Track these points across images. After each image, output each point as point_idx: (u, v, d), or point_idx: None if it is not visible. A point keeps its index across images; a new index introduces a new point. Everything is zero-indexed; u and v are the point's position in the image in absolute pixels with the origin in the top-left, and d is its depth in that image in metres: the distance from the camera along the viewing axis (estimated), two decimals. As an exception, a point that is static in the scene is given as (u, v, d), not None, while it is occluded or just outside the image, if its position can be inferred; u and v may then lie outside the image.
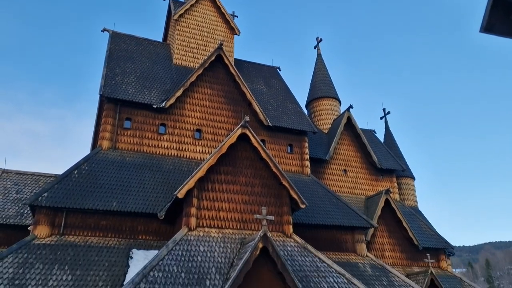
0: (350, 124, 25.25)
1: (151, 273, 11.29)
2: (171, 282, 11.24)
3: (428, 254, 19.84)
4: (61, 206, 14.19)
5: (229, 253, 12.92)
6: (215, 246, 13.09)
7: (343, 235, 18.00)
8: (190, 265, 12.05)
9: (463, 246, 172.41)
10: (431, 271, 18.95)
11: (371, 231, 20.20)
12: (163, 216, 14.57)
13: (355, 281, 13.27)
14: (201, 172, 13.83)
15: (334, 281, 13.11)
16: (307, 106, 28.41)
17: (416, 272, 20.09)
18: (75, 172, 15.56)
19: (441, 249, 22.41)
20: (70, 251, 13.54)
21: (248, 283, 11.76)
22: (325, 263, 13.76)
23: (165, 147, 18.22)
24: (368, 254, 18.02)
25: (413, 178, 28.06)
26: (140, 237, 15.06)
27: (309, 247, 14.24)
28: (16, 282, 11.83)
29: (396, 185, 25.38)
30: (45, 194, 14.30)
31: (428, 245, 21.92)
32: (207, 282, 11.60)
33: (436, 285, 18.71)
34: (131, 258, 13.82)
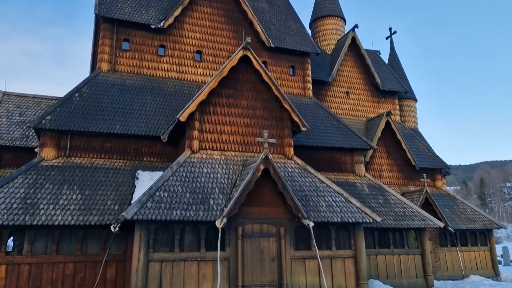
0: (354, 45, 24.53)
1: (157, 193, 11.77)
2: (177, 201, 11.76)
3: (424, 174, 20.51)
4: (66, 129, 14.38)
5: (232, 175, 13.34)
6: (218, 167, 13.47)
7: (343, 156, 18.41)
8: (194, 185, 12.51)
9: (459, 165, 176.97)
10: (426, 190, 19.69)
11: (370, 152, 20.62)
12: (166, 139, 14.80)
13: (353, 199, 13.86)
14: (202, 95, 13.77)
15: (333, 200, 13.69)
16: (310, 25, 27.37)
17: (411, 191, 20.89)
18: (76, 95, 15.51)
19: (437, 169, 23.05)
20: (78, 172, 14.00)
21: (250, 203, 12.30)
22: (324, 183, 14.25)
23: (165, 69, 17.93)
24: (366, 174, 18.59)
25: (415, 100, 27.95)
26: (145, 159, 15.45)
27: (309, 168, 14.66)
28: (28, 201, 12.40)
29: (397, 107, 25.37)
30: (48, 117, 14.41)
31: (425, 166, 22.51)
32: (211, 202, 12.13)
33: (430, 203, 19.58)
34: (137, 179, 14.30)
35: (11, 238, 12.81)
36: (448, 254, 19.85)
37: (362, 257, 13.26)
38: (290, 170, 14.34)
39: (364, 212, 13.54)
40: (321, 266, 12.49)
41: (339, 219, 13.00)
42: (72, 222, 12.17)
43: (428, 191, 19.75)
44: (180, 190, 12.17)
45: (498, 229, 22.18)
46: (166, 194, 11.85)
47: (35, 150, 14.88)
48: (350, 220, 13.10)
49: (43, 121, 14.23)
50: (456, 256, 19.95)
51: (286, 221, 12.72)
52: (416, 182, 22.18)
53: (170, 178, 12.44)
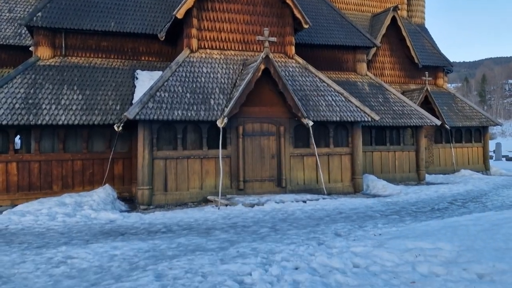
0: None
1: (158, 93, 11.79)
2: (177, 101, 11.84)
3: (426, 72, 20.28)
4: (59, 27, 13.87)
5: (232, 74, 13.21)
6: (218, 67, 13.28)
7: (345, 55, 18.01)
8: (194, 85, 12.47)
9: (463, 61, 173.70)
10: (427, 88, 19.68)
11: (373, 50, 20.10)
12: (163, 37, 14.34)
13: (352, 99, 13.92)
14: (199, -11, 12.97)
15: (333, 99, 13.75)
16: None
17: (412, 89, 20.87)
18: (65, -11, 14.63)
19: (440, 67, 22.72)
20: (76, 72, 13.84)
21: (250, 102, 12.39)
22: (325, 82, 14.18)
23: (158, -41, 16.61)
24: (368, 73, 18.38)
25: (425, -8, 26.36)
26: (143, 58, 15.15)
27: (310, 67, 14.45)
28: (30, 101, 12.48)
29: (405, 0, 24.04)
30: (39, 14, 13.80)
31: (428, 63, 22.14)
32: (212, 102, 12.21)
33: (429, 101, 19.71)
34: (137, 78, 14.20)
35: (18, 136, 13.20)
36: (442, 150, 20.59)
37: (358, 154, 13.77)
38: (291, 69, 14.15)
39: (363, 111, 13.70)
40: (318, 162, 13.05)
41: (338, 118, 13.22)
42: (76, 122, 12.41)
43: (429, 89, 19.75)
44: (181, 90, 12.16)
45: (494, 126, 22.65)
46: (166, 94, 11.87)
47: (30, 49, 14.53)
48: (349, 119, 13.32)
49: (35, 18, 13.64)
50: (450, 152, 20.71)
51: (286, 120, 12.95)
52: (417, 80, 21.99)
53: (170, 78, 12.35)
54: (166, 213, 10.43)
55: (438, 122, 17.36)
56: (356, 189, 13.70)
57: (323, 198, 11.89)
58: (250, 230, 8.12)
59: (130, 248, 6.65)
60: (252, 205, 10.93)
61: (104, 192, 11.79)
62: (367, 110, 13.72)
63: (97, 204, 10.96)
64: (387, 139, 16.97)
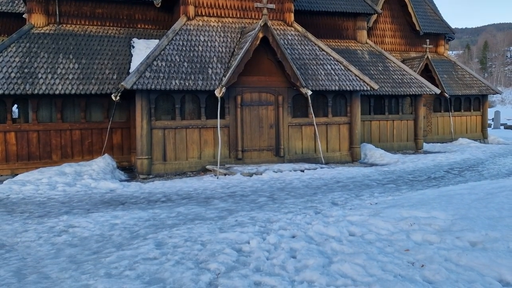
0: None
1: (155, 63, 11.65)
2: (175, 71, 11.71)
3: (427, 40, 19.98)
4: (51, -7, 13.52)
5: (230, 43, 13.01)
6: (215, 35, 13.06)
7: (345, 22, 17.69)
8: (191, 54, 12.31)
9: (466, 28, 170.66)
10: (427, 56, 19.44)
11: (373, 17, 19.72)
12: (159, 4, 14.01)
13: (352, 67, 13.78)
14: (195, -47, 12.57)
15: (332, 68, 13.62)
16: None
17: (412, 57, 20.62)
18: (57, -47, 14.17)
19: (441, 34, 22.35)
20: (71, 41, 13.61)
21: (248, 72, 12.27)
22: (324, 51, 13.99)
23: None
24: (368, 41, 18.11)
25: (428, -44, 25.56)
26: (139, 26, 14.87)
27: (310, 35, 14.22)
28: (26, 70, 12.34)
29: (408, -36, 23.34)
30: (31, -20, 13.42)
31: (430, 31, 21.77)
32: (209, 71, 12.09)
33: (429, 69, 19.52)
34: (133, 47, 13.99)
35: (15, 106, 13.14)
36: (440, 119, 20.59)
37: (356, 123, 13.78)
38: (289, 37, 13.92)
39: (362, 80, 13.60)
40: (317, 132, 13.07)
41: (337, 87, 13.14)
42: (73, 91, 12.31)
43: (429, 57, 19.52)
44: (178, 60, 12.01)
45: (494, 94, 22.56)
46: (163, 64, 11.73)
47: (23, 16, 14.22)
48: (347, 88, 13.24)
49: (26, -16, 13.28)
50: (448, 121, 20.72)
51: (284, 90, 12.87)
52: (418, 48, 21.70)
53: (167, 47, 12.17)
54: (165, 182, 10.53)
55: (438, 91, 17.27)
56: (354, 158, 13.80)
57: (321, 168, 12.00)
58: (249, 199, 8.24)
59: (130, 217, 6.77)
60: (251, 175, 11.03)
61: (104, 162, 11.86)
62: (367, 79, 13.62)
63: (96, 173, 11.05)
64: (385, 108, 16.94)
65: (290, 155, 13.01)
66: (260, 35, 11.97)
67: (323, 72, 13.37)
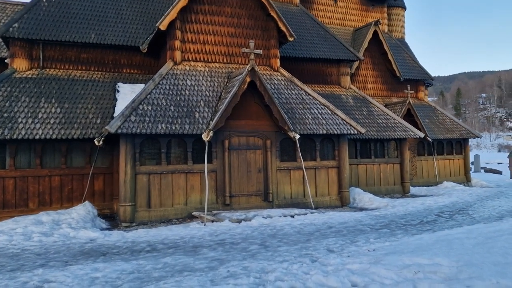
0: None
1: (140, 106, 11.44)
2: (161, 115, 11.51)
3: (408, 86, 20.52)
4: (37, 38, 13.42)
5: (217, 87, 12.98)
6: (202, 80, 13.03)
7: (329, 68, 18.06)
8: (178, 98, 12.18)
9: (438, 76, 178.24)
10: (409, 101, 19.87)
11: (356, 63, 20.24)
12: (146, 49, 14.06)
13: (338, 112, 13.86)
14: (183, 1, 12.78)
15: (319, 112, 13.65)
16: None
17: (394, 102, 21.05)
18: (44, 0, 14.23)
19: (420, 80, 23.05)
20: (54, 85, 13.37)
21: (236, 115, 12.16)
22: (311, 95, 14.09)
23: (140, -29, 16.40)
24: (351, 86, 18.45)
25: (404, 8, 26.89)
26: (124, 71, 14.79)
27: (296, 80, 14.36)
28: (5, 114, 11.94)
29: (386, 15, 24.44)
30: (16, 25, 13.34)
31: (409, 77, 22.44)
32: (197, 115, 11.93)
33: (412, 114, 19.88)
34: (118, 91, 13.82)
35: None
36: (424, 163, 20.72)
37: (345, 167, 13.65)
38: (276, 82, 14.02)
39: (349, 124, 13.63)
40: (305, 176, 12.85)
41: (324, 131, 13.10)
42: (54, 136, 11.90)
43: (411, 102, 19.95)
44: (164, 103, 11.85)
45: (474, 138, 23.01)
46: (149, 108, 11.53)
47: (6, 61, 14.01)
48: (335, 132, 13.22)
49: (11, 29, 13.18)
50: (432, 164, 20.86)
51: (272, 134, 12.76)
52: (399, 93, 22.23)
53: (153, 91, 12.03)
54: (149, 230, 10.00)
55: (422, 135, 17.48)
56: (343, 203, 13.54)
57: (311, 213, 11.66)
58: (239, 247, 7.80)
59: (112, 270, 6.24)
60: (239, 221, 10.61)
61: (84, 209, 11.28)
62: (353, 123, 13.66)
63: (76, 222, 10.45)
64: (371, 152, 16.96)
65: (279, 200, 12.67)
66: (248, 79, 11.98)
67: (310, 116, 13.37)
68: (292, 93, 13.91)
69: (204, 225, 10.45)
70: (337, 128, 13.36)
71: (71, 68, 14.14)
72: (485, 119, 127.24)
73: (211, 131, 11.43)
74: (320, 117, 13.50)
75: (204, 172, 11.45)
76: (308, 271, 5.73)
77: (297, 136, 12.54)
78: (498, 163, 44.41)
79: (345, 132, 13.37)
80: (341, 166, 13.64)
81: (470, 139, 22.83)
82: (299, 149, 12.77)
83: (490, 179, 25.67)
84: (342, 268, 5.72)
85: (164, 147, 11.52)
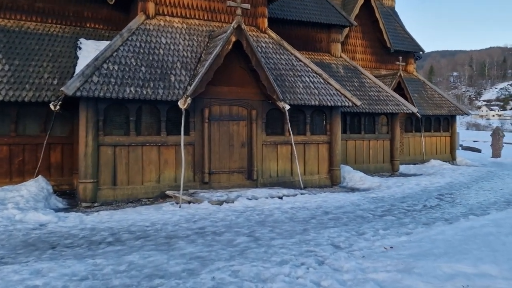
0: None
1: (105, 65, 9.62)
2: (130, 76, 9.74)
3: (400, 57, 19.24)
4: (-21, -20, 11.19)
5: (196, 47, 11.24)
6: (179, 38, 11.25)
7: (319, 34, 16.47)
8: (151, 58, 10.39)
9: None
10: (400, 74, 18.66)
11: (345, 31, 18.70)
12: (113, 0, 12.05)
13: (332, 81, 12.42)
14: None
15: (310, 80, 12.17)
16: None
17: (383, 74, 19.77)
18: None
19: (411, 52, 21.82)
20: (2, 37, 11.28)
21: (218, 81, 10.54)
22: (302, 61, 12.55)
23: None
24: (342, 55, 16.99)
25: (395, -25, 25.33)
26: (88, 25, 12.75)
27: (285, 44, 12.74)
28: None
29: (377, -19, 22.81)
30: (-46, -37, 11.05)
31: (400, 48, 21.14)
32: (172, 78, 10.22)
33: (402, 87, 18.70)
34: (80, 49, 11.86)
35: None
36: (412, 140, 19.76)
37: (337, 143, 12.34)
38: (263, 45, 12.37)
39: (343, 95, 12.24)
40: (295, 152, 11.47)
41: (317, 102, 11.67)
42: (1, 98, 9.97)
43: (402, 75, 18.75)
44: (134, 63, 10.06)
45: (462, 115, 22.20)
46: (116, 67, 9.73)
47: None
48: (328, 104, 11.81)
49: None
50: (419, 141, 19.92)
51: (258, 103, 11.23)
52: (388, 65, 20.98)
53: (121, 48, 10.19)
54: (114, 213, 8.44)
55: (415, 110, 16.36)
56: (333, 182, 12.31)
57: (301, 193, 10.35)
58: (224, 240, 6.39)
59: (59, 274, 4.71)
60: (221, 203, 9.19)
61: (36, 186, 9.56)
62: (348, 94, 12.28)
63: (25, 201, 8.75)
64: (362, 127, 15.72)
65: (264, 179, 11.29)
66: (233, 39, 10.30)
67: (301, 85, 11.88)
68: (281, 58, 12.32)
69: (180, 207, 8.98)
70: (331, 99, 11.95)
71: (23, 19, 11.99)
72: (455, 97, 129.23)
73: (189, 98, 9.80)
74: (312, 86, 12.03)
75: (180, 145, 9.86)
76: (318, 281, 4.40)
77: (287, 107, 11.07)
78: (474, 141, 44.48)
79: (339, 104, 11.99)
80: (332, 141, 12.32)
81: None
82: (288, 121, 11.32)
83: (471, 158, 25.10)
84: (364, 278, 4.40)
85: (133, 115, 9.82)
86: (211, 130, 10.64)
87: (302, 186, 11.35)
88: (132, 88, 9.51)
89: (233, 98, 10.91)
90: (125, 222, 7.58)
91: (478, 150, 32.19)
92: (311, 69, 12.49)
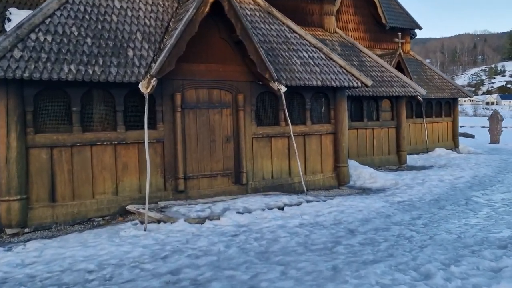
0: None
1: (33, 36, 6.88)
2: (70, 50, 7.04)
3: (399, 33, 17.04)
4: None
5: (162, 14, 8.59)
6: (139, 1, 8.56)
7: (310, 5, 14.01)
8: (100, 27, 7.68)
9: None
10: (400, 53, 16.50)
11: (338, 3, 16.30)
12: (51, -44, 9.21)
13: (335, 56, 9.99)
14: None
15: (309, 56, 9.71)
16: None
17: (380, 54, 17.48)
18: None
19: (407, 29, 19.66)
20: None
21: (192, 56, 7.96)
22: (297, 33, 10.07)
23: None
24: (337, 30, 14.61)
25: None
26: (21, -10, 9.87)
27: (275, 11, 10.21)
28: None
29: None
30: None
31: (395, 25, 18.94)
32: (130, 53, 7.57)
33: (402, 68, 16.51)
34: (9, 20, 9.05)
35: None
36: (412, 126, 17.59)
37: (343, 133, 9.97)
38: (249, 13, 9.80)
39: (350, 73, 9.84)
40: (294, 146, 9.00)
41: (319, 82, 9.23)
42: None
43: (402, 54, 16.56)
44: (76, 33, 7.34)
45: (465, 98, 20.26)
46: (49, 38, 7.00)
47: None
48: (333, 84, 9.39)
49: None
50: (420, 128, 17.82)
51: (246, 85, 8.70)
52: (383, 44, 18.76)
53: (57, 13, 7.43)
54: (48, 244, 5.82)
55: (424, 92, 14.20)
56: (340, 181, 9.97)
57: (307, 201, 7.93)
58: (212, 299, 3.90)
59: None
60: (202, 220, 6.67)
61: None
62: (355, 71, 9.89)
63: None
64: (364, 113, 13.41)
65: (256, 182, 8.82)
66: (211, 0, 7.71)
67: (298, 61, 9.40)
68: (271, 28, 9.80)
69: (145, 229, 6.43)
70: (336, 78, 9.54)
71: None
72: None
73: (154, 79, 7.19)
74: (312, 63, 9.58)
75: (144, 142, 7.21)
76: None
77: (283, 89, 8.59)
78: (471, 127, 43.21)
79: (345, 84, 9.59)
80: (338, 131, 9.94)
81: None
82: (285, 107, 8.84)
83: (470, 144, 23.34)
84: None
85: (77, 104, 7.14)
86: (185, 122, 8.06)
87: (305, 189, 8.93)
88: (72, 66, 6.81)
89: (213, 79, 8.34)
90: (59, 265, 4.97)
91: (472, 136, 30.63)
92: (309, 42, 10.03)
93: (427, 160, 15.29)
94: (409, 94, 13.67)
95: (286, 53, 9.41)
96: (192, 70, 8.10)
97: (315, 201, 7.97)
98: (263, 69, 8.35)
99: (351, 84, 9.65)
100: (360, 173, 10.96)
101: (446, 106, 19.02)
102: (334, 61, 9.88)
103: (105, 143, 7.35)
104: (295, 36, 9.97)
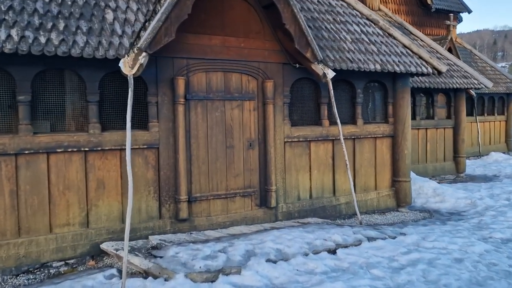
0: None
1: (-45, -16, 4.44)
2: (12, 7, 4.60)
3: (451, 15, 14.32)
4: None
5: (160, -35, 6.09)
6: None
7: (349, -25, 11.38)
8: (66, -23, 5.21)
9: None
10: (451, 38, 13.83)
11: (378, -21, 13.65)
12: None
13: (395, 32, 7.38)
14: None
15: (361, 30, 7.13)
16: None
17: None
18: None
19: (455, 12, 16.89)
20: None
21: (201, 24, 5.46)
22: (344, 0, 7.49)
23: None
24: (381, 7, 11.97)
25: None
26: None
27: (314, -28, 7.62)
28: None
29: None
30: None
31: (442, 7, 16.27)
32: (109, 15, 5.08)
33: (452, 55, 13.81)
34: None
35: None
36: (462, 126, 14.91)
37: (405, 137, 7.37)
38: (279, -29, 7.25)
39: (417, 54, 7.23)
40: (345, 154, 6.42)
41: (378, 66, 6.64)
42: None
43: (453, 39, 13.88)
44: (28, -15, 4.88)
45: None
46: (-17, -11, 4.56)
47: None
48: (396, 68, 6.79)
49: None
50: (470, 128, 15.07)
51: (277, 68, 6.17)
52: (427, 29, 16.14)
53: (3, -44, 4.98)
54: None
55: (490, 84, 11.47)
56: (400, 201, 7.40)
57: (368, 239, 5.36)
58: None
59: None
60: (213, 276, 4.19)
61: None
62: (424, 53, 7.27)
63: None
64: (416, 110, 10.79)
65: (289, 204, 6.31)
66: None
67: (348, 37, 6.83)
68: (310, -7, 7.23)
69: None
70: (399, 61, 6.94)
71: None
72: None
73: (144, 54, 4.72)
74: (367, 40, 6.99)
75: (127, 149, 4.71)
76: None
77: (331, 74, 6.03)
78: None
79: (412, 69, 6.98)
80: (398, 134, 7.34)
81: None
82: (333, 99, 6.26)
83: None
84: None
85: (26, 91, 4.69)
86: (190, 119, 5.58)
87: (358, 215, 6.37)
88: (14, 31, 4.37)
89: (231, 58, 5.82)
90: None
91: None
92: (360, 13, 7.44)
93: (485, 167, 12.61)
94: (473, 86, 10.99)
95: (332, 25, 6.84)
96: (201, 45, 5.59)
97: (380, 238, 5.41)
98: (304, 46, 5.80)
99: (419, 69, 7.03)
100: (420, 187, 8.37)
101: (499, 103, 16.25)
102: (394, 38, 7.27)
103: (70, 149, 4.90)
104: (341, 4, 7.39)
